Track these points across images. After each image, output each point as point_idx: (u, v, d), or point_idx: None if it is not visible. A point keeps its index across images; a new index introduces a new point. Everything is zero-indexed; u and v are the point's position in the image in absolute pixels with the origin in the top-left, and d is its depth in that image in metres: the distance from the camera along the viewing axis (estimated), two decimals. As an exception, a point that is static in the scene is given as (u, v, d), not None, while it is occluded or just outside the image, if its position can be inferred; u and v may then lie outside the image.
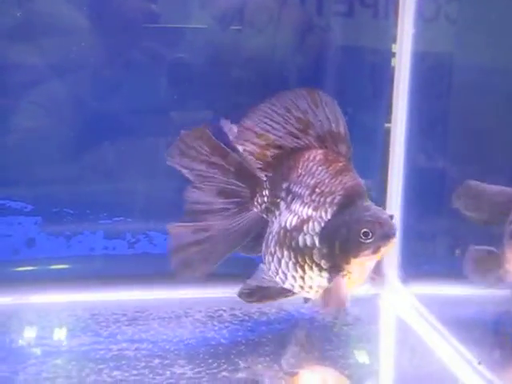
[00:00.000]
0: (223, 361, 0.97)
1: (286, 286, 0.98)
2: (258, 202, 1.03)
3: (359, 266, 0.94)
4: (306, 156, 0.97)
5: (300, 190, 0.97)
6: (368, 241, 0.91)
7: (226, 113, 1.12)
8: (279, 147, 1.00)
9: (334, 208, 0.94)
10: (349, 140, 0.97)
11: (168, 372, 0.93)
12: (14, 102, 1.18)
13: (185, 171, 1.06)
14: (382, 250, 0.92)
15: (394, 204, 1.25)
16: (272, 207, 1.01)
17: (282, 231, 0.97)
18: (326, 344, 1.02)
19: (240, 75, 1.23)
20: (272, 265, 0.98)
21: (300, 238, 0.95)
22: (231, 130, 1.05)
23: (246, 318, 1.10)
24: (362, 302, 1.18)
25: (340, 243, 0.92)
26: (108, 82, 1.20)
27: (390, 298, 1.21)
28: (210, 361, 0.97)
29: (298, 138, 0.99)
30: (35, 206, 1.20)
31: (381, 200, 1.25)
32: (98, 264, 1.22)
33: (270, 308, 1.12)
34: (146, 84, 1.20)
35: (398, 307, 1.19)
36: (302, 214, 0.96)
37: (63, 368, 0.94)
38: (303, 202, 0.96)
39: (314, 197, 0.95)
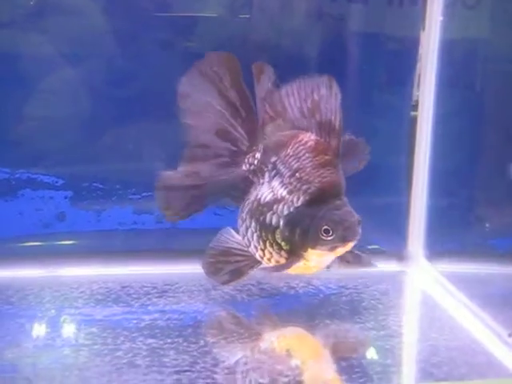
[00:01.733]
0: (254, 331, 0.98)
1: (250, 250, 1.02)
2: (249, 160, 1.04)
3: (317, 257, 0.97)
4: (299, 138, 0.98)
5: (283, 169, 0.99)
6: (328, 238, 0.94)
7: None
8: (288, 121, 1.00)
9: (306, 197, 0.96)
10: (340, 138, 0.97)
11: (202, 341, 0.95)
12: (48, 81, 1.19)
13: (195, 99, 1.04)
14: (338, 250, 0.95)
15: (421, 183, 1.25)
16: (259, 173, 1.03)
17: (255, 202, 1.00)
18: (356, 317, 1.03)
19: (250, 63, 1.23)
20: (241, 230, 1.02)
21: (268, 216, 0.98)
22: (264, 75, 1.04)
23: (275, 291, 1.11)
24: (387, 278, 1.20)
25: (300, 232, 0.95)
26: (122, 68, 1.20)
27: (416, 275, 1.22)
28: (242, 331, 0.98)
29: (305, 117, 0.99)
30: (66, 181, 1.22)
31: (407, 179, 1.26)
32: (127, 238, 1.24)
33: (298, 282, 1.14)
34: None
35: (424, 283, 1.20)
36: (277, 193, 0.98)
37: (99, 336, 0.96)
38: (282, 181, 0.98)
39: (292, 180, 0.97)
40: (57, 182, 1.22)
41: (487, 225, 1.16)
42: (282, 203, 0.97)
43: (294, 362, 0.91)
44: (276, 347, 0.97)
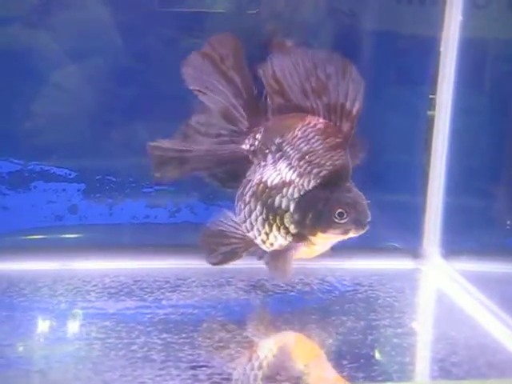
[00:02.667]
0: (270, 327, 0.97)
1: (250, 235, 1.01)
2: (249, 140, 1.03)
3: (323, 240, 0.96)
4: (307, 121, 0.97)
5: (291, 152, 0.98)
6: (341, 221, 0.93)
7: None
8: (287, 99, 0.99)
9: (318, 180, 0.95)
10: (355, 123, 0.96)
11: (217, 336, 0.93)
12: (60, 75, 1.18)
13: (198, 81, 1.04)
14: (351, 233, 0.95)
15: (437, 182, 1.24)
16: (259, 155, 1.01)
17: (261, 185, 0.98)
18: (372, 314, 1.02)
19: (256, 59, 1.22)
20: (242, 212, 1.00)
21: (277, 199, 0.97)
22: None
23: (289, 287, 1.09)
24: (403, 276, 1.18)
25: (313, 215, 0.95)
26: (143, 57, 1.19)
27: (431, 273, 1.21)
28: (258, 326, 0.97)
29: (308, 98, 0.97)
30: (79, 174, 1.21)
31: (424, 177, 1.25)
32: (140, 232, 1.23)
33: (313, 279, 1.12)
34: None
35: (440, 282, 1.19)
36: (285, 176, 0.97)
37: (112, 329, 0.94)
38: (290, 164, 0.97)
39: (302, 163, 0.96)
40: (69, 175, 1.21)
41: (508, 222, 1.14)
42: (292, 186, 0.96)
43: (308, 360, 0.90)
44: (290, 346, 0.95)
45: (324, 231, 0.95)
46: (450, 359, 0.89)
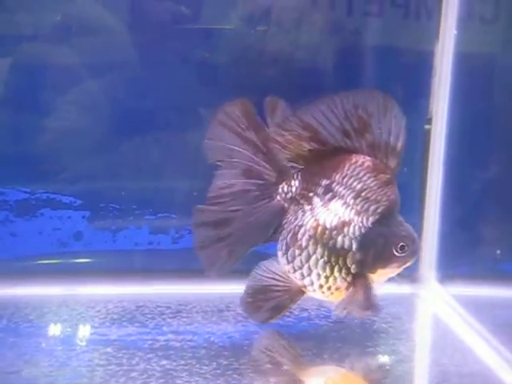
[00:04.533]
0: (267, 353, 1.00)
1: (306, 281, 1.00)
2: (283, 190, 1.03)
3: (380, 277, 0.98)
4: (354, 160, 0.98)
5: (344, 191, 0.98)
6: (402, 255, 0.96)
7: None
8: (322, 143, 0.99)
9: (376, 217, 0.96)
10: (401, 157, 0.98)
11: (214, 363, 0.96)
12: (61, 99, 1.22)
13: (220, 152, 1.05)
14: (407, 264, 0.97)
15: (433, 204, 1.26)
16: (301, 200, 1.01)
17: (319, 228, 0.98)
18: (367, 341, 1.04)
19: (266, 75, 1.25)
20: (298, 259, 0.99)
21: (339, 239, 0.97)
22: (276, 109, 1.05)
23: (287, 313, 1.12)
24: (399, 301, 1.20)
25: (374, 252, 0.96)
26: (142, 80, 1.23)
27: (427, 298, 1.23)
28: (254, 353, 1.00)
29: (350, 137, 0.98)
30: (83, 201, 1.25)
31: (420, 200, 1.27)
32: (143, 258, 1.27)
33: (311, 305, 1.15)
34: (180, 82, 1.23)
35: (436, 307, 1.21)
36: (343, 216, 0.97)
37: (114, 356, 0.98)
38: (345, 203, 0.98)
39: (358, 201, 0.97)
40: (75, 203, 1.25)
41: (498, 251, 1.17)
42: (352, 225, 0.97)
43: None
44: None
45: (384, 267, 0.96)
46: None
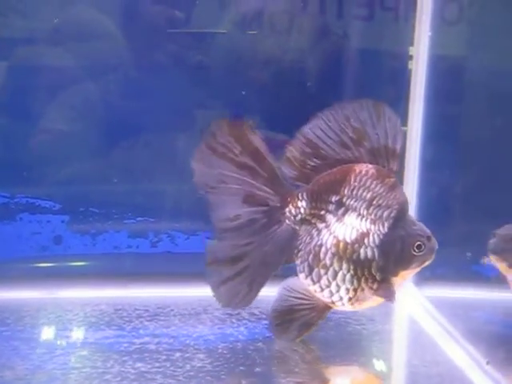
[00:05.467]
0: (241, 356, 1.01)
1: (334, 298, 1.00)
2: (291, 213, 1.01)
3: (401, 278, 1.00)
4: (358, 170, 0.98)
5: (355, 203, 0.99)
6: (420, 253, 0.98)
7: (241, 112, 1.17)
8: (323, 158, 1.00)
9: (391, 221, 0.98)
10: (401, 158, 1.00)
11: (188, 365, 0.98)
12: (43, 104, 1.24)
13: (210, 174, 1.01)
14: (426, 262, 0.99)
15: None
16: (312, 219, 1.01)
17: (341, 244, 0.98)
18: (340, 342, 1.06)
19: (257, 78, 1.27)
20: (324, 278, 0.99)
21: (361, 251, 0.98)
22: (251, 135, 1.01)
23: (264, 316, 1.13)
24: (375, 304, 1.22)
25: (394, 256, 0.98)
26: (133, 84, 1.25)
27: (403, 300, 1.25)
28: (229, 356, 1.01)
29: (348, 148, 0.99)
30: (63, 205, 1.26)
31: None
32: (122, 262, 1.28)
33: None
34: (169, 86, 1.25)
35: (410, 309, 1.23)
36: (360, 227, 0.98)
37: (89, 359, 0.99)
38: (359, 214, 0.98)
39: (371, 210, 0.98)
40: (54, 207, 1.26)
41: (469, 253, 1.19)
42: (371, 234, 0.98)
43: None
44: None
45: (405, 268, 0.98)
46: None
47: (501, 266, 1.02)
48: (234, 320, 1.13)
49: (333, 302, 1.01)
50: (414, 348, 1.08)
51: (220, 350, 1.03)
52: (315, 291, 1.01)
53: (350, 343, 1.06)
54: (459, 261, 1.25)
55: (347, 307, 1.01)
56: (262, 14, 1.25)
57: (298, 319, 1.03)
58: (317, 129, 0.99)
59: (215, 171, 1.01)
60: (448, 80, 1.26)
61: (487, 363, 0.98)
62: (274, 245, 1.02)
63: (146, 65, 1.24)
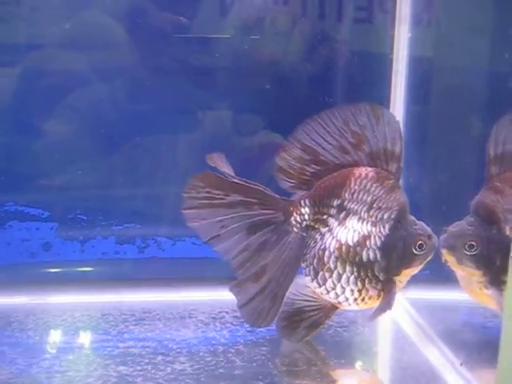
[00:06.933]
0: (221, 359, 1.04)
1: (340, 299, 1.03)
2: (296, 221, 1.03)
3: (404, 277, 1.03)
4: (357, 174, 1.00)
5: (356, 207, 1.01)
6: (422, 252, 1.00)
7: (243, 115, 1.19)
8: (323, 163, 1.01)
9: (391, 223, 1.00)
10: (401, 160, 1.00)
11: (169, 368, 1.00)
12: (33, 112, 1.27)
13: (207, 227, 1.02)
14: (427, 260, 1.02)
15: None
16: (316, 224, 1.03)
17: (343, 248, 1.01)
18: (320, 344, 1.08)
19: (258, 81, 1.30)
20: (329, 281, 1.02)
21: (364, 253, 1.00)
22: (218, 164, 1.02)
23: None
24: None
25: (397, 256, 1.00)
26: (128, 91, 1.28)
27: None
28: (209, 359, 1.04)
29: (348, 153, 1.00)
30: (51, 213, 1.29)
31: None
32: (110, 267, 1.31)
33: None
34: (168, 89, 1.27)
35: (392, 311, 1.24)
36: (362, 230, 1.00)
37: (73, 363, 1.02)
38: (361, 217, 1.00)
39: (371, 212, 1.00)
40: (43, 214, 1.29)
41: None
42: (372, 236, 1.00)
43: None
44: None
45: (408, 267, 1.01)
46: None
47: (451, 262, 1.04)
48: (217, 324, 1.15)
49: (339, 303, 1.04)
50: (392, 350, 1.10)
51: (201, 354, 1.05)
52: (321, 293, 1.04)
53: (331, 346, 1.08)
54: (439, 263, 1.27)
55: (353, 307, 1.04)
56: (263, 19, 1.28)
57: (306, 320, 1.05)
58: (314, 134, 1.00)
59: (211, 221, 1.02)
60: (428, 81, 1.28)
61: (461, 364, 1.00)
62: (288, 255, 1.03)
63: (148, 68, 1.26)
